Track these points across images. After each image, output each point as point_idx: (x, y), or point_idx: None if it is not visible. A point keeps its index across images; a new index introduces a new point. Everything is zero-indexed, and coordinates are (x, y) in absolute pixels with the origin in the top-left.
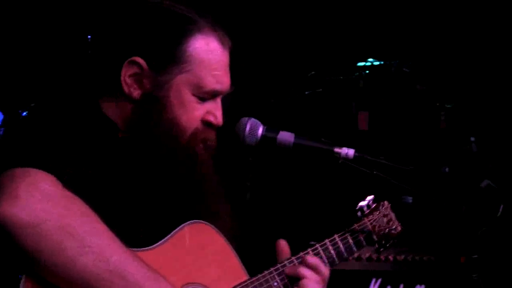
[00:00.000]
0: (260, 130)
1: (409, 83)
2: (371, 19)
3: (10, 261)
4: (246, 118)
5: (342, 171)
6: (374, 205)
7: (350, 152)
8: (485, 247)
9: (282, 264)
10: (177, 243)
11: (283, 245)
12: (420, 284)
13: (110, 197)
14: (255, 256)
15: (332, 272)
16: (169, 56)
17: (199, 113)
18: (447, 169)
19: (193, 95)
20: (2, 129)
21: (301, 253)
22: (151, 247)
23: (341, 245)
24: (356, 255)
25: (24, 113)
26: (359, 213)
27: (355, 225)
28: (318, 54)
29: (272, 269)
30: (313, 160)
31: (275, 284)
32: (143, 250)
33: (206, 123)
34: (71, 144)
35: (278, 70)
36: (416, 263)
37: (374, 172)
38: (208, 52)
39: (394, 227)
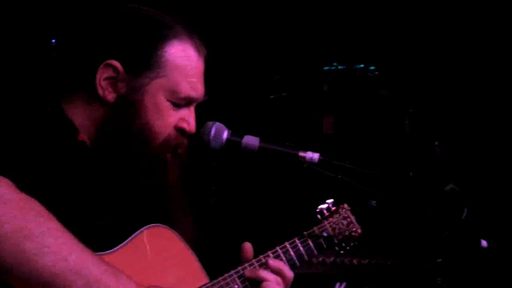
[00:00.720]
0: (225, 134)
1: (373, 87)
2: (336, 24)
3: None
4: (211, 122)
5: (307, 175)
6: (334, 208)
7: (315, 156)
8: (449, 251)
9: (243, 267)
10: (136, 247)
11: (247, 248)
12: None
13: (68, 200)
14: (219, 260)
15: (297, 276)
16: (146, 61)
17: (173, 120)
18: (411, 173)
19: (168, 100)
20: None
21: (261, 256)
22: (110, 250)
23: (301, 248)
24: (320, 259)
25: None
26: (319, 216)
27: (315, 228)
28: (283, 58)
29: (232, 271)
30: (278, 164)
31: (236, 286)
32: (103, 254)
33: (179, 130)
34: (25, 147)
35: (243, 74)
36: (381, 267)
37: (339, 176)
38: (185, 59)
39: (354, 229)
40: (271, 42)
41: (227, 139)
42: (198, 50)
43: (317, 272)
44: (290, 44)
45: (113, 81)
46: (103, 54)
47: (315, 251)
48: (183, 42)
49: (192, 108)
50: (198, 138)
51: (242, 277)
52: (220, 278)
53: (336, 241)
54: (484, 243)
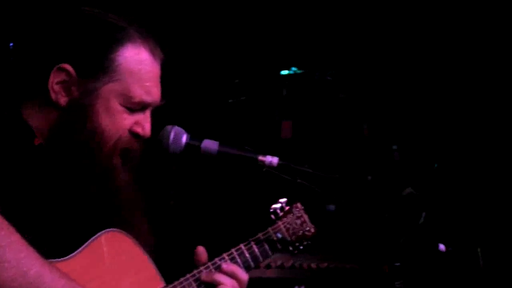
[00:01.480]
0: (184, 138)
1: (332, 91)
2: (295, 28)
3: None
4: (170, 126)
5: (266, 179)
6: (288, 207)
7: (274, 160)
8: (407, 255)
9: (199, 270)
10: (92, 252)
11: (201, 252)
12: None
13: (24, 205)
14: (176, 264)
15: (255, 281)
16: (98, 64)
17: (126, 123)
18: (369, 177)
19: (121, 105)
20: None
21: (216, 259)
22: (67, 257)
23: (255, 249)
24: (279, 263)
25: None
26: (273, 216)
27: (269, 229)
28: (241, 62)
29: (188, 275)
30: (237, 168)
31: None
32: (60, 261)
33: (133, 134)
34: None
35: (202, 78)
36: (340, 271)
37: (298, 180)
38: (138, 63)
39: (307, 228)
40: (230, 47)
41: (186, 143)
42: (153, 54)
43: (275, 277)
44: (248, 49)
45: (65, 85)
46: (56, 58)
47: (269, 252)
48: (137, 46)
49: (147, 112)
50: (157, 142)
51: (198, 280)
52: (176, 283)
53: (289, 241)
54: (442, 247)
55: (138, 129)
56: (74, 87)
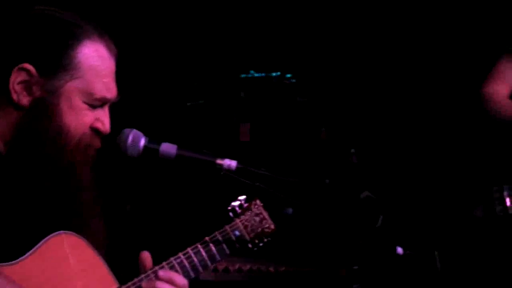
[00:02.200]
0: (142, 142)
1: (290, 95)
2: (253, 31)
3: None
4: (128, 130)
5: (224, 183)
6: (247, 204)
7: (233, 163)
8: (365, 258)
9: (140, 278)
10: (42, 255)
11: (145, 257)
12: None
13: None
14: (132, 267)
15: (213, 285)
16: (59, 63)
17: (88, 120)
18: (327, 181)
19: (83, 102)
20: None
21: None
22: (16, 261)
23: (213, 248)
24: (236, 266)
25: None
26: (231, 214)
27: (226, 227)
28: (200, 65)
29: (130, 283)
30: (195, 172)
31: None
32: (9, 265)
33: (94, 130)
34: None
35: (160, 81)
36: (297, 274)
37: (256, 184)
38: (98, 59)
39: (267, 225)
40: (188, 49)
41: (144, 147)
42: (109, 50)
43: (233, 280)
44: (207, 52)
45: (27, 85)
46: (16, 58)
47: (227, 251)
48: (95, 42)
49: (106, 108)
50: (115, 146)
51: None
52: None
53: (248, 239)
54: (399, 250)
55: (99, 125)
56: (35, 86)
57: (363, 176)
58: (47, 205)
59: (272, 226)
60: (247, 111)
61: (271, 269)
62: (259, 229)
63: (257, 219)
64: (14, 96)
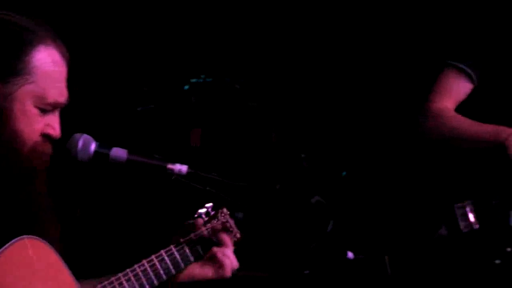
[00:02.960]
0: (93, 147)
1: (240, 99)
2: (204, 36)
3: None
4: (79, 135)
5: (176, 187)
6: (213, 212)
7: (183, 168)
8: (316, 263)
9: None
10: (7, 260)
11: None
12: None
13: None
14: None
15: None
16: (13, 67)
17: (39, 126)
18: (278, 185)
19: (35, 106)
20: None
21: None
22: None
23: (177, 256)
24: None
25: None
26: None
27: (192, 235)
28: (150, 70)
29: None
30: (147, 176)
31: None
32: None
33: (45, 136)
34: None
35: (110, 86)
36: (248, 279)
37: (207, 188)
38: (51, 64)
39: (233, 234)
40: (139, 54)
41: (95, 151)
42: (62, 54)
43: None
44: (157, 56)
45: None
46: None
47: (191, 258)
48: (49, 47)
49: (56, 113)
50: (65, 151)
51: None
52: None
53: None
54: (350, 254)
55: (50, 131)
56: None
57: (314, 180)
58: (5, 210)
59: (238, 235)
60: (198, 116)
61: None
62: None
63: (224, 227)
64: None
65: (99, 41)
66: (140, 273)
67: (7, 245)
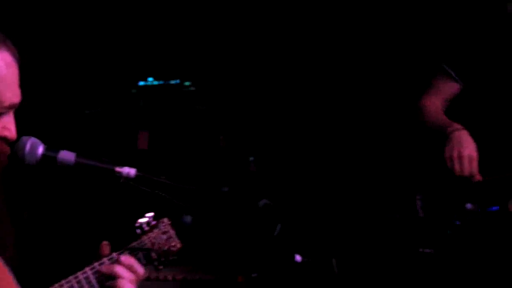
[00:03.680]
0: (40, 149)
1: (188, 102)
2: (152, 39)
3: None
4: (26, 137)
5: (124, 190)
6: (155, 222)
7: (131, 171)
8: (264, 266)
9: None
10: None
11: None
12: None
13: None
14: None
15: None
16: None
17: None
18: (226, 189)
19: None
20: None
21: (71, 277)
22: None
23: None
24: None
25: None
26: (138, 231)
27: (134, 243)
28: (98, 73)
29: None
30: (95, 180)
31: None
32: None
33: (1, 139)
34: None
35: (58, 89)
36: (196, 282)
37: (155, 191)
38: (5, 68)
39: (173, 244)
40: (86, 56)
41: (43, 154)
42: (14, 56)
43: None
44: (105, 59)
45: None
46: None
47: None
48: (2, 50)
49: (11, 114)
50: (13, 153)
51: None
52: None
53: (154, 256)
54: (298, 257)
55: (6, 133)
56: None
57: (261, 184)
58: None
59: (178, 245)
60: (145, 119)
61: (169, 277)
62: (166, 247)
63: (164, 237)
64: None
65: (48, 43)
66: (83, 280)
67: None
